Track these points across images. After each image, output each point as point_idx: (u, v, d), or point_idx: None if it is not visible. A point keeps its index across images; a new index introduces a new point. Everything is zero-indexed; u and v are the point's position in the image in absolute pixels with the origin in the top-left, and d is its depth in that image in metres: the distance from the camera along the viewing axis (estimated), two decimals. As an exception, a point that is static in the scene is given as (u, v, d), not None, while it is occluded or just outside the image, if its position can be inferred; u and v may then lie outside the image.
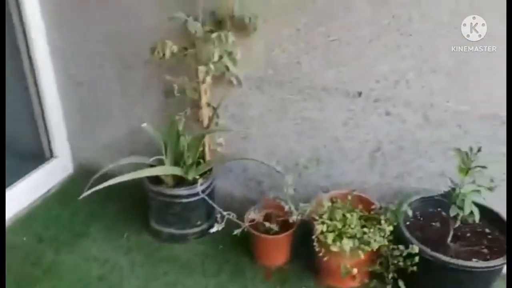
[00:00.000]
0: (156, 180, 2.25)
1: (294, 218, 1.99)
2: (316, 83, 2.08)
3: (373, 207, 2.03)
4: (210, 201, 2.24)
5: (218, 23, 2.07)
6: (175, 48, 2.03)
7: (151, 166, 2.27)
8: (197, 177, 2.27)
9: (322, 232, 1.87)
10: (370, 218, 1.99)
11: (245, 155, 2.39)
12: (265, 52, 2.11)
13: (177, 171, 2.24)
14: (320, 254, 1.88)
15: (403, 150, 2.07)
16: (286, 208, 2.01)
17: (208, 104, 2.26)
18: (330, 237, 1.84)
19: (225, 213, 2.07)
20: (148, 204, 2.36)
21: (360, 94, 2.03)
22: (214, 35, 1.97)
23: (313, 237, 1.90)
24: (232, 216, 2.07)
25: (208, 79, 2.09)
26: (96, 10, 2.35)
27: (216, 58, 2.02)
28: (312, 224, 1.94)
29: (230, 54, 2.06)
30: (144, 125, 2.24)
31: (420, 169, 2.08)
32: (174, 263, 2.20)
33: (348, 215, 1.94)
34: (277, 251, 2.17)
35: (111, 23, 2.35)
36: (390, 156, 2.11)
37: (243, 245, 2.22)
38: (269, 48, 2.09)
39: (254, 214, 2.22)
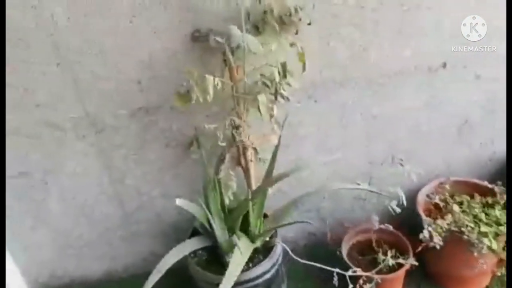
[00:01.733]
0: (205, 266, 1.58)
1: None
2: (389, 68, 1.61)
3: (496, 189, 1.71)
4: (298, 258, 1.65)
5: (255, 28, 1.41)
6: (219, 83, 1.33)
7: (195, 255, 1.61)
8: (267, 239, 1.67)
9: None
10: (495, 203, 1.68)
11: (301, 186, 1.82)
12: (319, 49, 1.54)
13: (250, 244, 1.59)
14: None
15: (494, 113, 1.77)
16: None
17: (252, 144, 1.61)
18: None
19: (348, 272, 1.52)
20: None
21: (444, 65, 1.63)
22: (274, 46, 1.33)
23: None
24: (358, 271, 1.54)
25: (275, 108, 1.42)
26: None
27: (277, 77, 1.38)
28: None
29: (284, 66, 1.43)
30: (179, 201, 1.49)
31: (512, 127, 1.82)
32: None
33: (493, 211, 1.59)
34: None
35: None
36: (479, 124, 1.79)
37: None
38: (324, 42, 1.53)
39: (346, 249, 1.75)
